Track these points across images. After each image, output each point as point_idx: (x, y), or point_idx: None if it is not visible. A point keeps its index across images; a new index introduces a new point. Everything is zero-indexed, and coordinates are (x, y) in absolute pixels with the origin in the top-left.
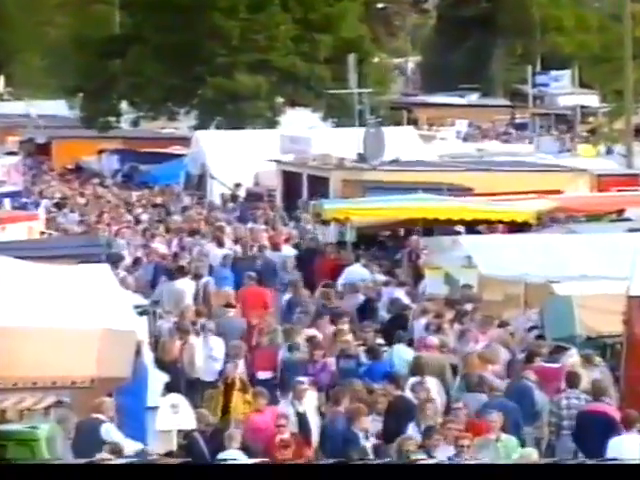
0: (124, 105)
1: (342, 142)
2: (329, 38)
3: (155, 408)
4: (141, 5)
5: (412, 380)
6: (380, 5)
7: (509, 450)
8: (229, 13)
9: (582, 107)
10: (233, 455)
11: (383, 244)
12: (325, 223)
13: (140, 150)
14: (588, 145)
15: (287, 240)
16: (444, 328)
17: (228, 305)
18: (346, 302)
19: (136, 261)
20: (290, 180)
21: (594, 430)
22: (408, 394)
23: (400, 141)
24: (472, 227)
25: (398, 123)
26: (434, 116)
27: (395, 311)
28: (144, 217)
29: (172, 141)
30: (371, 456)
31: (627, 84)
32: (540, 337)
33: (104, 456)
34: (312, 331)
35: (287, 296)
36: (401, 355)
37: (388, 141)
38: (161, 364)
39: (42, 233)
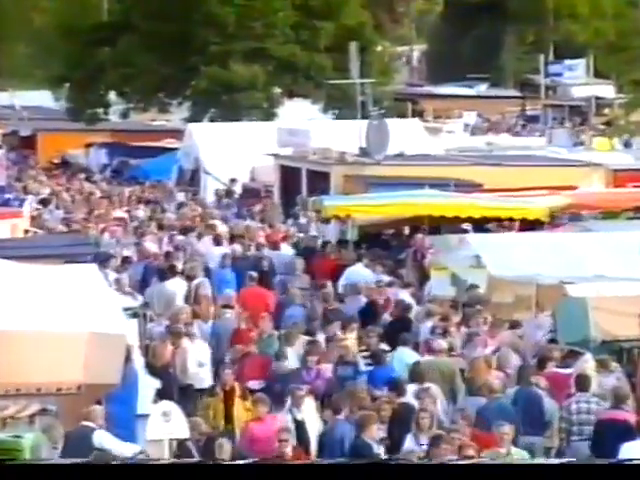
0: (113, 96)
1: (343, 135)
2: (330, 25)
3: (146, 416)
4: None
5: (417, 387)
6: None
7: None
8: None
9: (597, 98)
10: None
11: (386, 243)
12: (325, 221)
13: (130, 144)
14: (603, 138)
15: (284, 238)
16: (451, 331)
17: (226, 306)
18: (347, 304)
19: (126, 261)
20: (288, 175)
21: (614, 438)
22: (412, 401)
23: (405, 134)
24: (481, 225)
25: (403, 115)
26: (441, 108)
27: (397, 313)
28: (134, 214)
29: (164, 134)
30: None
31: None
32: (552, 341)
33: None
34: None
35: (283, 298)
36: (404, 359)
37: (392, 134)
38: (152, 369)
39: (26, 231)
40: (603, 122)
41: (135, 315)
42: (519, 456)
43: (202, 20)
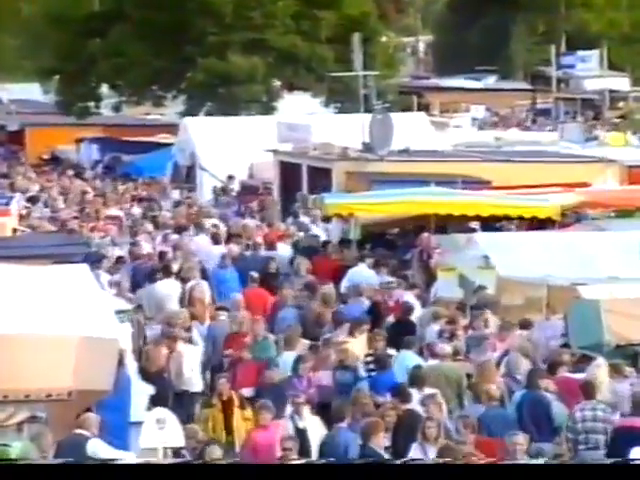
0: (105, 89)
1: (346, 130)
2: (332, 15)
3: (139, 423)
4: None
5: (423, 393)
6: None
7: None
8: None
9: (611, 91)
10: None
11: (391, 243)
12: (327, 219)
13: (122, 139)
14: (618, 133)
15: (281, 237)
16: (458, 335)
17: (221, 308)
18: (350, 307)
19: (119, 261)
20: (288, 172)
21: (633, 446)
22: (418, 408)
23: (410, 129)
24: (489, 224)
25: (408, 109)
26: (447, 101)
27: (399, 315)
28: (128, 213)
29: (158, 129)
30: None
31: None
32: (564, 345)
33: None
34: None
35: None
36: (407, 364)
37: (396, 129)
38: (146, 375)
39: (14, 230)
40: (617, 116)
41: (128, 318)
42: None
43: (198, 9)
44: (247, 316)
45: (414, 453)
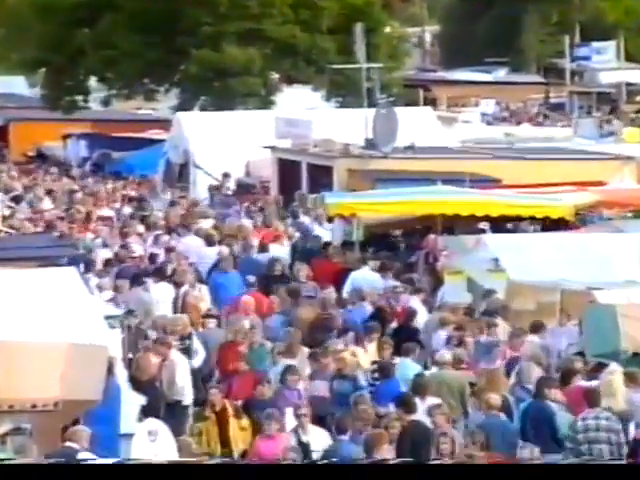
0: (93, 82)
1: (348, 125)
2: (333, 4)
3: (130, 435)
4: None
5: (429, 403)
6: None
7: None
8: None
9: (628, 84)
10: None
11: (395, 245)
12: (328, 220)
13: (112, 135)
14: (635, 128)
15: (277, 238)
16: (466, 342)
17: (208, 316)
18: (353, 312)
19: (108, 264)
20: (287, 170)
21: None
22: (424, 419)
23: (416, 124)
24: (499, 224)
25: (413, 103)
26: (455, 95)
27: (401, 320)
28: (115, 213)
29: (149, 124)
30: None
31: None
32: (579, 353)
33: None
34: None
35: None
36: (406, 372)
37: (401, 124)
38: (136, 384)
39: None
40: (635, 111)
41: (119, 324)
42: None
43: None
44: (245, 324)
45: None
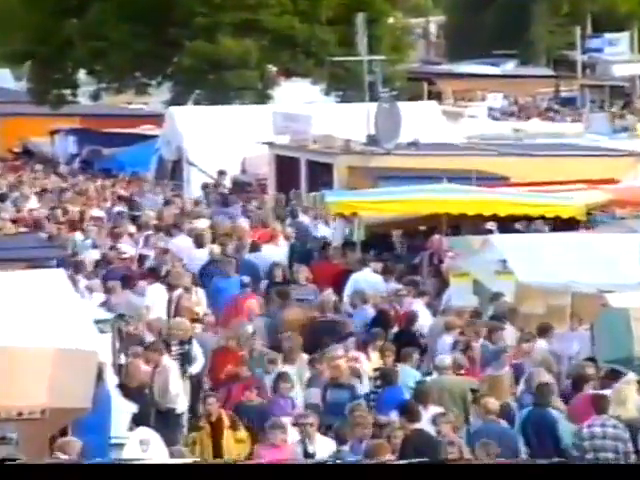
0: (82, 75)
1: (349, 120)
2: None
3: (121, 445)
4: None
5: (434, 411)
6: None
7: None
8: None
9: None
10: None
11: (398, 245)
12: (328, 219)
13: (101, 130)
14: None
15: (271, 238)
16: (473, 347)
17: (195, 320)
18: (354, 316)
19: (98, 265)
20: (285, 167)
21: None
22: (428, 427)
23: (420, 119)
24: (507, 224)
25: (417, 97)
26: (461, 89)
27: (401, 324)
28: (105, 212)
29: (141, 119)
30: None
31: None
32: (590, 359)
33: None
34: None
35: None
36: (406, 379)
37: (405, 119)
38: (126, 391)
39: None
40: None
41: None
42: None
43: None
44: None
45: None
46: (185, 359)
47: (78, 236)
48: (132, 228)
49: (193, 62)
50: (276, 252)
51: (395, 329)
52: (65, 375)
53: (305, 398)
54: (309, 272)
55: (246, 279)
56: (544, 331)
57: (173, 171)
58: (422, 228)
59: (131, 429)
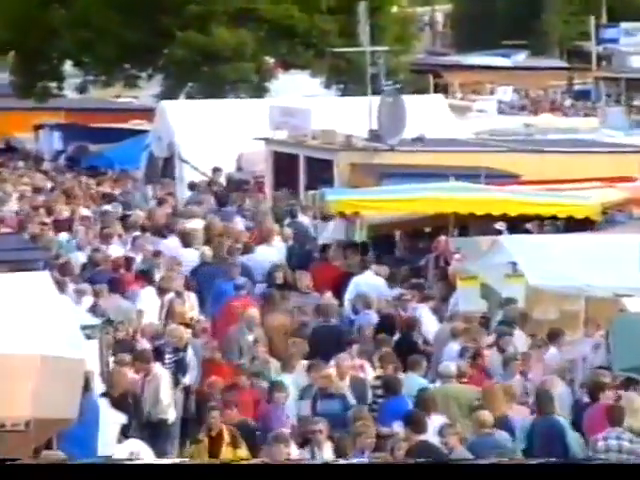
0: (68, 67)
1: (350, 115)
2: None
3: (108, 458)
4: None
5: (440, 422)
6: None
7: None
8: None
9: None
10: None
11: (402, 247)
12: (328, 219)
13: (89, 125)
14: None
15: (266, 239)
16: (482, 355)
17: (184, 324)
18: (355, 322)
19: (85, 268)
20: (283, 164)
21: None
22: (433, 439)
23: (425, 114)
24: (518, 225)
25: (423, 91)
26: (469, 81)
27: (405, 329)
28: (93, 212)
29: (130, 114)
30: None
31: None
32: (604, 367)
33: None
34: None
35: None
36: (415, 388)
37: (410, 114)
38: (115, 401)
39: None
40: None
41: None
42: None
43: None
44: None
45: None
46: (179, 367)
47: (64, 237)
48: (120, 229)
49: (185, 53)
50: (271, 254)
51: (397, 335)
52: (50, 384)
53: (297, 409)
54: (310, 278)
55: (240, 282)
56: (554, 337)
57: (164, 168)
58: (428, 229)
59: (120, 441)
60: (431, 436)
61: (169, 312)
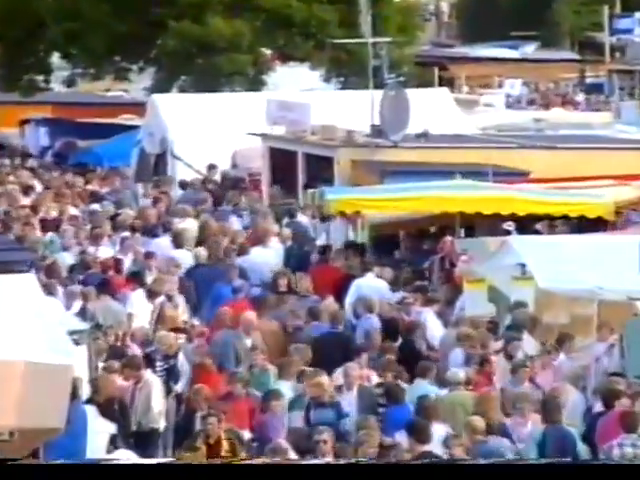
0: (55, 59)
1: (351, 109)
2: None
3: None
4: None
5: (441, 430)
6: None
7: None
8: None
9: None
10: None
11: (406, 248)
12: (328, 219)
13: (77, 120)
14: None
15: (258, 240)
16: (490, 361)
17: (176, 330)
18: (356, 327)
19: (73, 270)
20: (280, 161)
21: None
22: (438, 450)
23: (430, 108)
24: (527, 225)
25: (428, 84)
26: (476, 74)
27: (405, 334)
28: (81, 211)
29: (121, 108)
30: None
31: None
32: (619, 374)
33: None
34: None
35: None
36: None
37: (413, 108)
38: (100, 408)
39: None
40: None
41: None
42: None
43: None
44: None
45: None
46: (170, 375)
47: (51, 237)
48: (110, 229)
49: (178, 44)
50: (267, 255)
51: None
52: (36, 392)
53: (289, 420)
54: (310, 281)
55: (238, 285)
56: (563, 342)
57: (156, 165)
58: (432, 229)
59: (109, 451)
60: (435, 446)
61: (159, 317)
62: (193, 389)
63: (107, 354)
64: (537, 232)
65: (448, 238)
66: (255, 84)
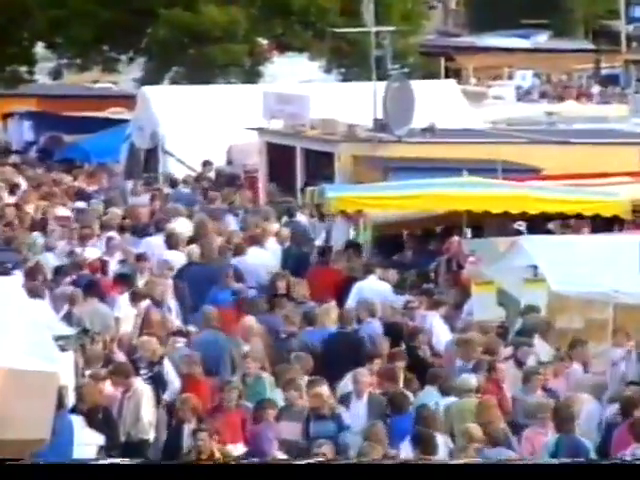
0: (40, 49)
1: (353, 102)
2: None
3: None
4: None
5: (442, 441)
6: None
7: None
8: None
9: None
10: None
11: (410, 248)
12: (328, 218)
13: (63, 114)
14: None
15: (254, 240)
16: (499, 368)
17: (177, 333)
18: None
19: (59, 272)
20: (278, 156)
21: None
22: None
23: (436, 101)
24: (539, 224)
25: (433, 75)
26: (485, 65)
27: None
28: (68, 211)
29: (109, 101)
30: None
31: None
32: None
33: None
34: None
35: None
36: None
37: (419, 101)
38: (90, 419)
39: None
40: None
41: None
42: None
43: None
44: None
45: None
46: (156, 383)
47: (36, 238)
48: (98, 229)
49: (170, 34)
50: (264, 256)
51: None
52: (19, 401)
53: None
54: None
55: (235, 286)
56: (574, 347)
57: (147, 161)
58: (438, 229)
59: None
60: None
61: (144, 322)
62: (180, 398)
63: (94, 361)
64: (549, 232)
65: (455, 238)
66: (251, 75)
